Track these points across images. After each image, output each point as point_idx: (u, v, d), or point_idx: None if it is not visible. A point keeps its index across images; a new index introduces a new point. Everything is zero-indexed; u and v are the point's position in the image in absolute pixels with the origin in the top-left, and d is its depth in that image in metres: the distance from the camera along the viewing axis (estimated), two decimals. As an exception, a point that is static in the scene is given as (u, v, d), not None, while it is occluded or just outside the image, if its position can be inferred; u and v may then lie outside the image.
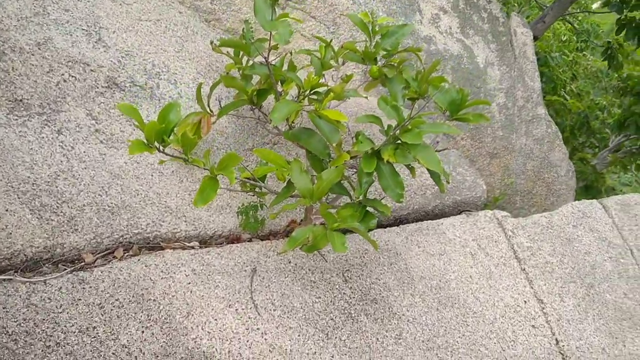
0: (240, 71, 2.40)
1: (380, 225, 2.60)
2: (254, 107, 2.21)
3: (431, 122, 1.93)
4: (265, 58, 1.97)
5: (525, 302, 2.42)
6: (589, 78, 11.11)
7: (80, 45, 2.26)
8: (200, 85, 2.19)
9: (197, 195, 1.75)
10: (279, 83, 2.21)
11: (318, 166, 2.11)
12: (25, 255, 1.83)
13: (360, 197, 1.93)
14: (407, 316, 2.15)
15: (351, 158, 2.02)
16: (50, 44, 2.19)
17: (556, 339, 2.34)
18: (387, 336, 2.06)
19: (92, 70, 2.23)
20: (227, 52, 2.37)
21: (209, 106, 2.24)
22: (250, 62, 2.31)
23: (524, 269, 2.57)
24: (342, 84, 2.06)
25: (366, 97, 2.24)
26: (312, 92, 2.08)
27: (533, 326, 2.35)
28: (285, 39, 1.75)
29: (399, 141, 1.89)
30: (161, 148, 1.67)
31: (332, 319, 2.03)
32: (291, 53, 2.20)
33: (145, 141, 1.62)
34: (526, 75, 4.03)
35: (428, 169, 2.01)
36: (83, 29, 2.31)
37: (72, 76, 2.18)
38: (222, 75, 2.12)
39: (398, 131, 1.87)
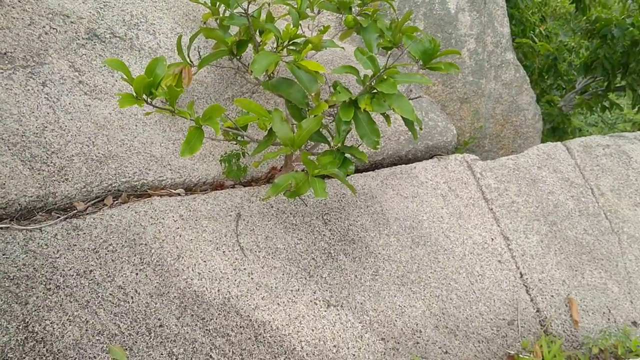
0: (218, 21, 2.46)
1: (357, 171, 2.71)
2: (233, 57, 2.27)
3: (405, 72, 2.02)
4: (244, 9, 2.03)
5: (492, 239, 2.59)
6: (557, 20, 11.20)
7: (58, -3, 2.28)
8: (180, 37, 2.24)
9: (183, 145, 1.84)
10: (258, 33, 2.27)
11: (297, 115, 2.20)
12: (19, 204, 1.91)
13: (339, 145, 2.03)
14: (383, 254, 2.30)
15: (329, 107, 2.11)
16: (29, -4, 2.20)
17: (520, 273, 2.52)
18: (364, 273, 2.21)
19: (72, 22, 2.26)
20: (205, 1, 2.41)
21: (189, 57, 2.30)
22: (228, 13, 2.36)
23: (492, 209, 2.73)
24: (320, 35, 2.13)
25: (342, 48, 2.32)
26: (290, 42, 2.15)
27: (499, 261, 2.52)
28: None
29: (375, 91, 1.99)
30: (149, 100, 1.74)
31: (313, 259, 2.16)
32: (269, 4, 2.25)
33: (134, 94, 1.69)
34: (495, 21, 4.12)
35: (402, 117, 2.12)
36: (60, -20, 2.32)
37: (53, 28, 2.21)
38: (202, 27, 2.18)
39: (374, 81, 1.96)
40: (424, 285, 2.27)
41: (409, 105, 1.94)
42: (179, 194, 2.23)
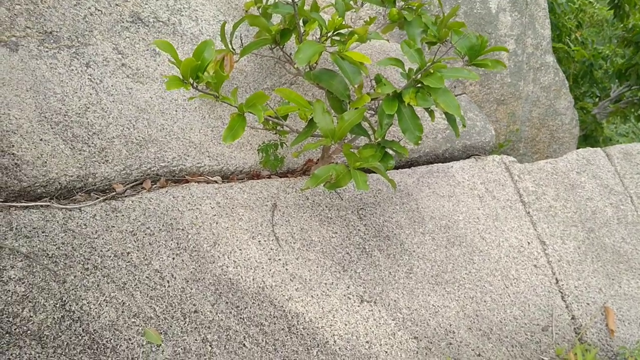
0: (260, 9, 2.44)
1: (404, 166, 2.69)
2: (276, 46, 2.25)
3: (451, 67, 1.99)
4: (294, 1, 2.01)
5: (528, 243, 2.54)
6: (594, 26, 11.02)
7: (104, -21, 2.28)
8: (224, 24, 2.23)
9: (225, 131, 1.82)
10: (301, 23, 2.25)
11: (338, 107, 2.17)
12: (59, 183, 1.91)
13: (380, 138, 2.00)
14: (418, 253, 2.27)
15: (371, 100, 2.09)
16: (75, -23, 2.21)
17: (556, 279, 2.47)
18: (398, 270, 2.18)
19: (117, 5, 2.26)
20: None
21: (231, 44, 2.29)
22: (272, 1, 2.35)
23: (529, 212, 2.68)
24: (365, 26, 2.11)
25: (387, 40, 2.29)
26: (335, 33, 2.13)
27: (535, 266, 2.47)
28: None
29: (420, 85, 1.96)
30: (195, 84, 1.73)
31: (347, 253, 2.14)
32: None
33: (180, 77, 1.68)
34: (537, 22, 4.05)
35: (445, 113, 2.08)
36: (107, -38, 2.32)
37: (99, 10, 2.21)
38: (247, 14, 2.16)
39: (420, 75, 1.93)
40: (458, 286, 2.24)
41: (455, 100, 1.91)
42: (215, 182, 2.22)
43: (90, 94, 2.07)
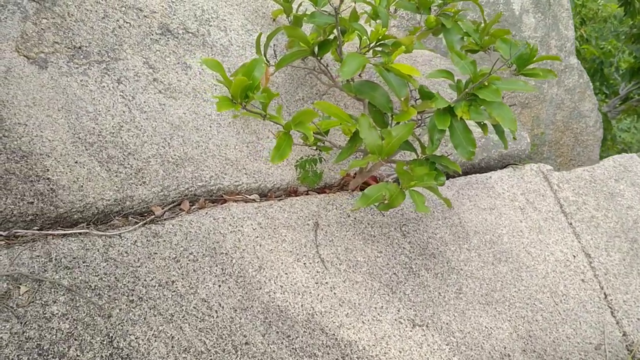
0: (289, 18, 2.35)
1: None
2: (314, 57, 2.15)
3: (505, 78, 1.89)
4: (335, 8, 1.91)
5: (574, 256, 2.45)
6: (598, 23, 10.95)
7: (131, -11, 2.18)
8: (260, 36, 2.14)
9: (273, 151, 1.73)
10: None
11: (380, 120, 2.08)
12: (96, 208, 1.81)
13: (430, 154, 1.91)
14: (465, 271, 2.17)
15: (417, 113, 1.99)
16: (102, -12, 2.11)
17: (604, 293, 2.38)
18: (448, 290, 2.08)
19: (145, 16, 2.16)
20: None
21: (265, 56, 2.19)
22: (304, 10, 2.26)
23: (571, 224, 2.59)
24: (411, 36, 2.01)
25: (432, 51, 2.19)
26: (378, 44, 2.03)
27: (582, 280, 2.38)
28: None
29: (472, 97, 1.86)
30: (244, 104, 1.63)
31: (395, 274, 2.04)
32: (354, 1, 2.12)
33: (230, 97, 1.58)
34: (560, 24, 3.96)
35: (494, 125, 1.99)
36: (133, -28, 2.22)
37: (127, 22, 2.11)
38: (284, 26, 2.06)
39: (473, 87, 1.83)
40: (509, 305, 2.14)
41: (511, 113, 1.81)
42: (254, 200, 2.12)
43: (124, 112, 1.96)
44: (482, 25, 2.26)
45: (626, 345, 2.27)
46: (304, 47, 2.11)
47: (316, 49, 2.13)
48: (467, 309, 2.06)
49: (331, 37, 2.11)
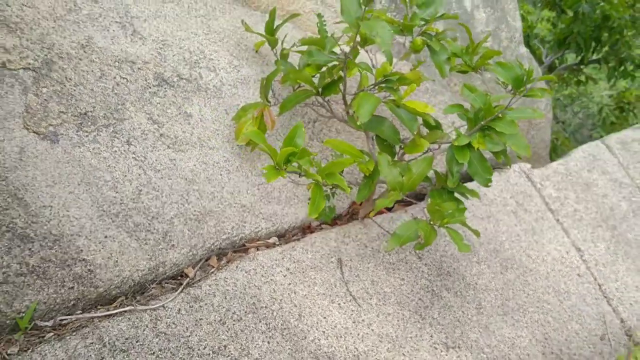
0: (274, 50, 2.36)
1: (418, 195, 2.68)
2: (318, 96, 2.17)
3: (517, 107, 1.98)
4: (346, 53, 1.94)
5: (567, 252, 2.61)
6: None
7: (119, 41, 2.13)
8: (263, 81, 2.14)
9: (310, 206, 1.75)
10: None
11: (389, 152, 2.14)
12: (132, 280, 1.79)
13: (452, 186, 1.98)
14: (480, 285, 2.28)
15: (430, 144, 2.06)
16: (92, 44, 2.06)
17: (599, 284, 2.56)
18: (469, 307, 2.18)
19: (139, 69, 2.12)
20: (260, 32, 2.32)
21: (266, 98, 2.19)
22: (294, 43, 2.28)
23: (558, 220, 2.75)
24: (416, 71, 2.06)
25: (433, 80, 2.25)
26: (384, 80, 2.07)
27: (578, 275, 2.54)
28: (387, 45, 1.72)
29: (487, 127, 1.94)
30: (286, 169, 1.65)
31: (420, 299, 2.12)
32: (363, 43, 2.11)
33: (275, 166, 1.60)
34: (508, 16, 4.11)
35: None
36: (117, 22, 2.17)
37: (124, 78, 2.06)
38: (290, 70, 2.07)
39: (487, 120, 1.91)
40: (523, 312, 2.27)
41: (525, 141, 1.91)
42: (274, 244, 2.14)
43: (139, 175, 1.93)
44: (470, 45, 2.34)
45: (625, 331, 2.45)
46: (309, 89, 2.12)
47: (321, 90, 2.14)
48: (490, 323, 2.17)
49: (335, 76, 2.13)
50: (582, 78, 7.59)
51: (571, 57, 8.19)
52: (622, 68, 6.84)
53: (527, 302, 2.31)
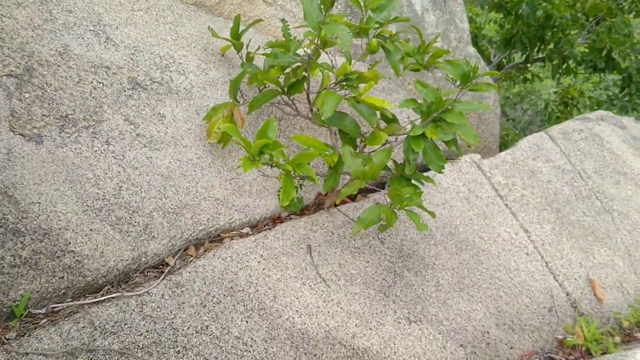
0: (240, 54, 2.52)
1: (379, 185, 2.87)
2: (284, 95, 2.34)
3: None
4: (308, 54, 2.11)
5: (516, 234, 2.83)
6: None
7: (94, 48, 2.26)
8: (232, 81, 2.29)
9: (281, 195, 1.91)
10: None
11: (351, 145, 2.31)
12: (117, 269, 1.92)
13: (409, 173, 2.17)
14: (437, 265, 2.48)
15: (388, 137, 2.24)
16: (69, 52, 2.18)
17: (545, 262, 2.79)
18: (428, 285, 2.38)
19: (114, 73, 2.25)
20: (226, 37, 2.48)
21: (235, 98, 2.35)
22: (258, 47, 2.43)
23: (507, 205, 2.97)
24: (374, 70, 2.25)
25: (389, 78, 2.44)
26: (344, 78, 2.25)
27: (526, 254, 2.77)
28: (347, 46, 1.90)
29: (438, 119, 2.14)
30: (258, 158, 1.81)
31: (384, 279, 2.31)
32: (323, 45, 2.29)
33: (250, 157, 1.75)
34: (456, 18, 4.35)
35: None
36: (91, 30, 2.30)
37: (100, 82, 2.19)
38: (259, 72, 2.23)
39: (438, 112, 2.11)
40: (477, 288, 2.48)
41: (473, 130, 2.11)
42: (247, 234, 2.29)
43: (119, 172, 2.06)
44: (421, 46, 2.54)
45: (570, 303, 2.68)
46: (275, 89, 2.28)
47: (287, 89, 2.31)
48: (447, 299, 2.37)
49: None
50: (529, 76, 7.95)
51: (517, 56, 8.55)
52: (565, 65, 7.20)
53: (481, 279, 2.52)
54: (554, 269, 2.77)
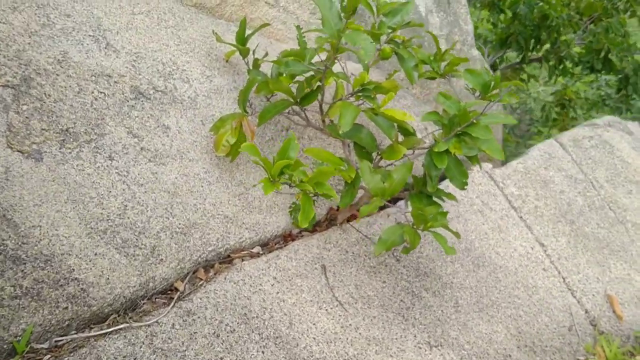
0: (245, 60, 2.39)
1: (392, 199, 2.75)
2: (297, 106, 2.21)
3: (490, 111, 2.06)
4: (325, 64, 1.98)
5: (532, 248, 2.73)
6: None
7: (94, 55, 2.11)
8: (241, 92, 2.16)
9: (300, 216, 1.78)
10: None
11: (367, 159, 2.19)
12: (124, 297, 1.79)
13: (432, 191, 2.06)
14: (455, 283, 2.37)
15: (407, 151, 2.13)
16: (68, 59, 2.03)
17: (562, 277, 2.69)
18: (447, 306, 2.27)
19: (116, 82, 2.11)
20: (231, 41, 2.35)
21: (244, 108, 2.22)
22: (266, 54, 2.31)
23: (522, 217, 2.87)
24: (392, 80, 2.13)
25: (407, 88, 2.32)
26: (361, 89, 2.12)
27: (544, 269, 2.67)
28: (370, 57, 1.77)
29: (462, 134, 2.02)
30: (279, 181, 1.68)
31: (402, 301, 2.19)
32: (335, 50, 2.16)
33: (270, 178, 1.63)
34: (460, 19, 4.24)
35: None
36: (90, 35, 2.15)
37: (101, 92, 2.05)
38: (269, 79, 2.10)
39: (462, 126, 1.99)
40: (496, 308, 2.37)
41: (497, 145, 2.00)
42: (258, 253, 2.17)
43: (124, 190, 1.92)
44: (437, 52, 2.43)
45: (589, 321, 2.59)
46: (287, 99, 2.15)
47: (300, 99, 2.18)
48: (467, 320, 2.26)
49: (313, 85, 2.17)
50: (524, 77, 7.87)
51: (512, 56, 8.48)
52: (562, 66, 7.13)
53: (500, 298, 2.42)
54: (571, 285, 2.68)
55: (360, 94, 2.15)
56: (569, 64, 7.17)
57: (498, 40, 7.63)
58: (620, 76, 7.16)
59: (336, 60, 2.39)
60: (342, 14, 1.85)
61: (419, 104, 3.32)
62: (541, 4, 7.11)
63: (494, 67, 8.52)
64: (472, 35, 4.28)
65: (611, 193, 3.25)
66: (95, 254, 1.76)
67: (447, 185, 2.73)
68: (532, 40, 7.35)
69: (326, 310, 2.03)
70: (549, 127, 8.08)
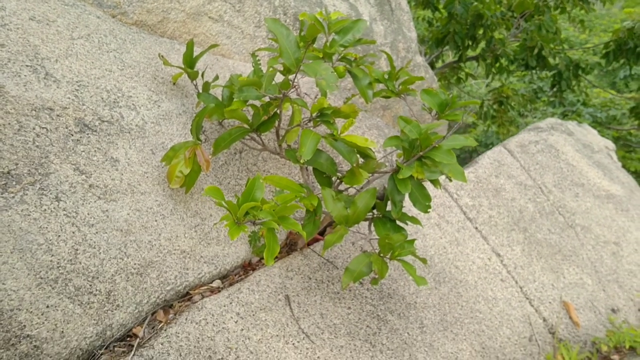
0: (194, 82, 2.31)
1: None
2: (254, 134, 2.13)
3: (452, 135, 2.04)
4: (283, 93, 1.92)
5: (489, 259, 2.75)
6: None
7: (33, 87, 1.98)
8: (195, 120, 2.07)
9: (266, 253, 1.71)
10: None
11: (326, 183, 2.14)
12: (80, 349, 1.68)
13: (396, 216, 2.02)
14: (419, 303, 2.35)
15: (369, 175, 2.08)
16: (5, 93, 1.90)
17: (520, 287, 2.72)
18: (413, 328, 2.24)
19: (58, 115, 1.99)
20: (176, 61, 2.26)
21: (197, 136, 2.13)
22: (216, 75, 2.23)
23: (477, 228, 2.88)
24: (351, 104, 2.08)
25: (365, 111, 2.28)
26: (319, 114, 2.07)
27: (501, 280, 2.69)
28: (331, 87, 1.72)
29: (423, 157, 1.99)
30: (246, 221, 1.60)
31: (368, 326, 2.16)
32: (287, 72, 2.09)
33: (235, 220, 1.55)
34: (404, 27, 4.24)
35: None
36: (27, 66, 2.02)
37: (43, 127, 1.92)
38: (226, 109, 2.02)
39: (424, 150, 1.96)
40: (460, 325, 2.37)
41: (460, 168, 1.98)
42: (218, 287, 2.08)
43: (73, 233, 1.81)
44: (391, 71, 2.40)
45: (548, 329, 2.63)
46: (242, 126, 2.08)
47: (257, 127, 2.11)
48: (433, 341, 2.24)
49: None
50: (462, 75, 8.00)
51: (448, 56, 8.62)
52: (498, 64, 7.28)
53: (462, 314, 2.41)
54: (528, 294, 2.71)
55: (318, 119, 2.10)
56: (504, 62, 7.33)
57: (434, 40, 7.71)
58: (554, 72, 7.37)
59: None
60: (300, 44, 1.78)
61: (372, 119, 3.29)
62: (475, 3, 7.22)
63: (432, 65, 8.63)
64: (415, 42, 4.29)
65: (559, 197, 3.32)
66: (47, 306, 1.64)
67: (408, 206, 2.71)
68: (468, 39, 7.47)
69: (293, 344, 1.97)
70: (488, 125, 8.24)
